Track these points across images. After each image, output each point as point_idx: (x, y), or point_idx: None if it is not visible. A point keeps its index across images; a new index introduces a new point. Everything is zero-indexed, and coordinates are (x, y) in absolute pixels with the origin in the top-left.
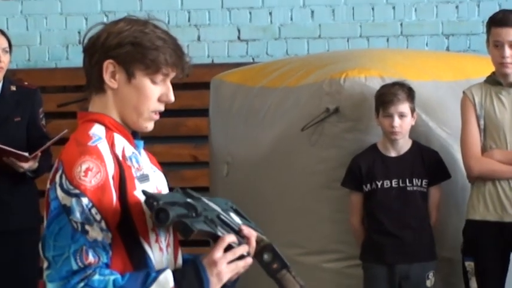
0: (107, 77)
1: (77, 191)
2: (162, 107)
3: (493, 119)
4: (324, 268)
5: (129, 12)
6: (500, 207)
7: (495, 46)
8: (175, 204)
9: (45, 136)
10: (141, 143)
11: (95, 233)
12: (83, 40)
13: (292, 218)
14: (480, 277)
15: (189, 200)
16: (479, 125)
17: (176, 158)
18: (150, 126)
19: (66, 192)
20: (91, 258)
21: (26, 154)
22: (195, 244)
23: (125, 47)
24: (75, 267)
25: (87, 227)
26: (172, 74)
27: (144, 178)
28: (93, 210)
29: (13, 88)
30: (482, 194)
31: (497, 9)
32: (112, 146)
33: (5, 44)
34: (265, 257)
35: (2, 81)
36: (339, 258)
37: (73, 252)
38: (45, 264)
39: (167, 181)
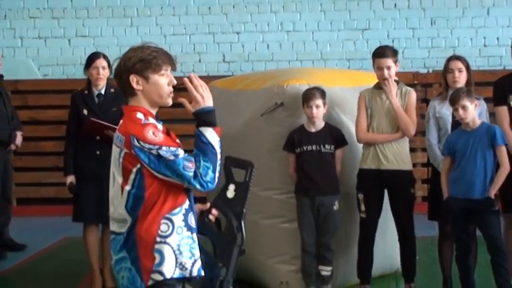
0: (134, 85)
1: (156, 146)
2: (171, 89)
3: (375, 109)
4: (274, 198)
5: (158, 45)
6: (378, 160)
7: (378, 69)
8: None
9: None
10: (161, 122)
11: (180, 153)
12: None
13: (256, 169)
14: (366, 203)
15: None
16: (367, 113)
17: (184, 133)
18: (170, 101)
19: (149, 149)
20: (191, 163)
21: None
22: None
23: (137, 64)
24: (190, 174)
25: (177, 152)
26: (169, 68)
27: None
28: (172, 149)
29: (112, 90)
30: (368, 152)
31: (379, 45)
32: None
33: (104, 63)
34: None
35: (105, 87)
36: (283, 192)
37: (182, 168)
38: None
39: None
